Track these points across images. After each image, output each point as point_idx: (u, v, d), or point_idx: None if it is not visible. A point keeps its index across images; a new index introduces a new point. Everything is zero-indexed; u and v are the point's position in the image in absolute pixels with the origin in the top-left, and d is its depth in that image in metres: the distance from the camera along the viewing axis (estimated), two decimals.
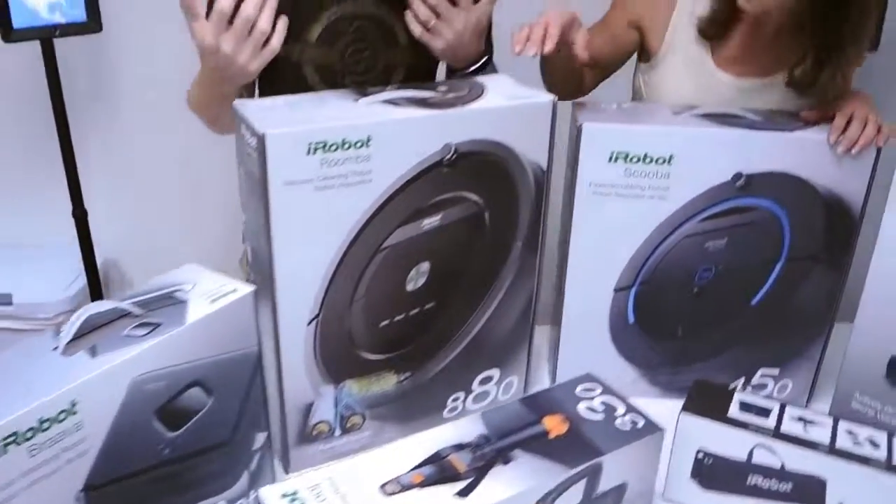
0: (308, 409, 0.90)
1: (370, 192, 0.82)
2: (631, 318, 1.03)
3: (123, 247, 1.86)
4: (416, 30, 0.98)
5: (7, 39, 1.36)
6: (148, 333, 0.71)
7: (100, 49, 1.67)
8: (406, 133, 0.81)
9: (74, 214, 1.52)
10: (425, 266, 0.89)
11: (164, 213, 1.85)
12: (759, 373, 1.06)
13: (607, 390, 0.88)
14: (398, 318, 0.90)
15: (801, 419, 0.87)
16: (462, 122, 0.84)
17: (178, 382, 0.73)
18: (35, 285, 1.58)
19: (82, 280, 1.59)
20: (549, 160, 0.91)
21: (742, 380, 1.07)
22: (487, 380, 1.01)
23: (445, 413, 1.00)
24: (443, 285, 0.91)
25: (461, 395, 1.00)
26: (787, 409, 0.88)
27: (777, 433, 0.84)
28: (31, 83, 1.56)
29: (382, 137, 0.80)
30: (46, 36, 1.42)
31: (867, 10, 0.96)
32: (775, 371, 1.06)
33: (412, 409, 0.97)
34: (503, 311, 0.97)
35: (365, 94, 0.86)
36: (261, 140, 0.75)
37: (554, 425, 0.82)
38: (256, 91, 1.08)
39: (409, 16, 0.98)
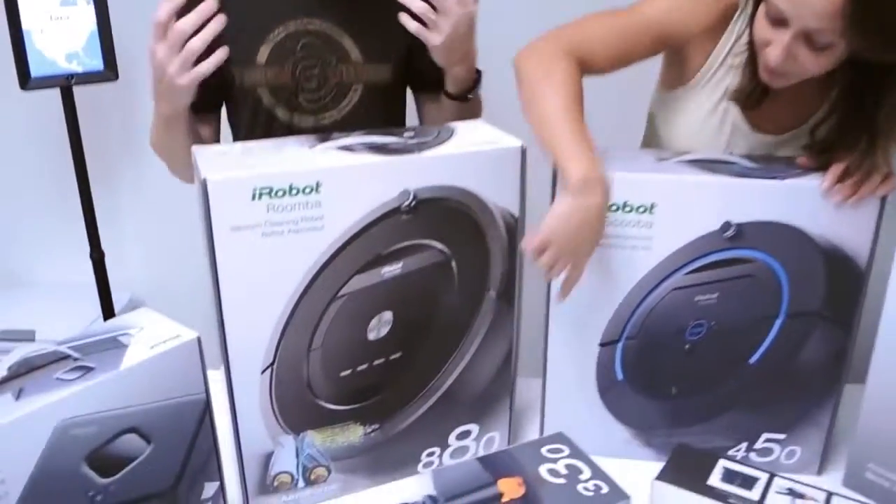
0: (268, 460, 0.88)
1: (322, 239, 0.80)
2: (619, 375, 0.96)
3: (151, 287, 1.92)
4: (412, 26, 0.96)
5: (25, 87, 1.43)
6: (80, 377, 0.71)
7: (118, 95, 1.74)
8: (357, 179, 0.79)
9: (92, 257, 1.57)
10: (387, 315, 0.86)
11: (190, 253, 1.90)
12: (763, 437, 0.98)
13: (575, 452, 0.82)
14: (361, 368, 0.87)
15: (790, 492, 0.79)
16: (421, 168, 0.81)
17: (110, 428, 0.73)
18: (57, 324, 1.63)
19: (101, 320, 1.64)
20: (521, 207, 0.87)
21: (744, 444, 0.98)
22: (465, 434, 0.96)
23: (420, 468, 0.96)
24: (409, 335, 0.88)
25: (437, 449, 0.96)
26: (776, 481, 0.81)
27: None
28: (54, 127, 1.63)
29: (332, 184, 0.78)
30: (63, 84, 1.49)
31: None
32: (781, 436, 0.97)
33: (383, 463, 0.93)
34: (479, 364, 0.92)
35: (324, 140, 0.85)
36: (203, 185, 0.75)
37: (509, 489, 0.77)
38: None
39: (403, 16, 0.96)
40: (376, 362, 0.88)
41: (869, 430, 0.90)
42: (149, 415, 0.75)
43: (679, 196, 0.87)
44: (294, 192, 0.77)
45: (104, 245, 1.62)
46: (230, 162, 0.79)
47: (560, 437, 0.84)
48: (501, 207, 0.86)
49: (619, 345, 0.95)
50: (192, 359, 0.77)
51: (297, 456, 0.89)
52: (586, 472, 0.78)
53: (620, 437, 1.00)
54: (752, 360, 0.94)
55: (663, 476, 0.80)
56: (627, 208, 0.88)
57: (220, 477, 0.84)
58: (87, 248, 1.61)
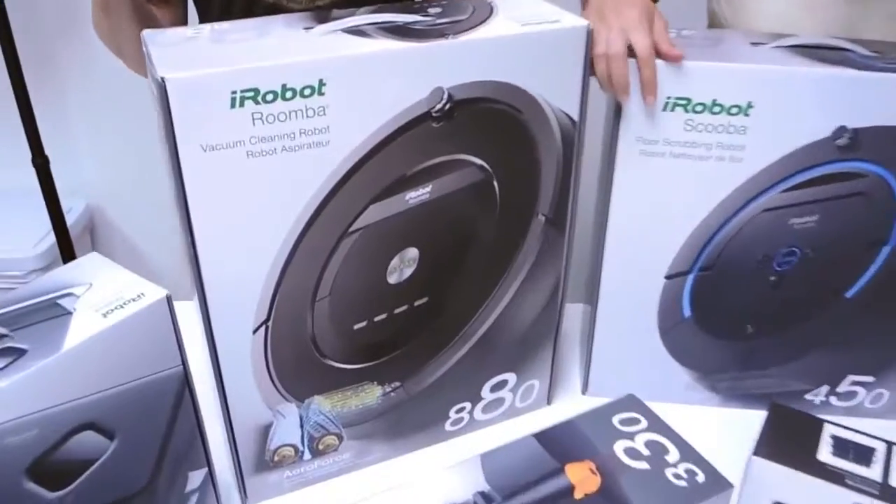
0: (265, 433, 0.70)
1: (328, 158, 0.59)
2: (686, 312, 0.79)
3: (111, 192, 1.67)
4: None
5: None
6: (8, 365, 0.52)
7: None
8: (375, 75, 0.58)
9: (34, 163, 1.33)
10: (412, 253, 0.67)
11: (156, 149, 1.65)
12: (848, 380, 0.83)
13: (656, 423, 0.66)
14: (379, 318, 0.69)
15: None
16: (458, 58, 0.60)
17: (57, 428, 0.54)
18: (3, 239, 1.41)
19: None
20: (581, 108, 0.67)
21: (825, 388, 0.83)
22: (500, 385, 0.80)
23: (448, 425, 0.79)
24: (438, 276, 0.69)
25: (467, 404, 0.79)
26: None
27: (885, 490, 0.62)
28: None
29: (341, 82, 0.57)
30: None
31: None
32: (869, 378, 0.82)
33: (404, 425, 0.77)
34: (520, 305, 0.75)
35: (323, 21, 0.63)
36: (161, 88, 0.53)
37: (581, 477, 0.61)
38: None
39: None
40: (398, 310, 0.69)
41: None
42: (108, 403, 0.56)
43: (784, 93, 0.68)
44: (289, 94, 0.56)
45: (49, 149, 1.37)
46: (196, 53, 0.57)
47: (633, 403, 0.68)
48: (557, 109, 0.66)
49: (690, 277, 0.77)
50: (159, 324, 0.58)
51: (302, 426, 0.72)
52: (674, 453, 0.62)
53: (680, 381, 0.84)
54: (849, 293, 0.77)
55: (762, 450, 0.65)
56: (716, 108, 0.68)
57: (207, 462, 0.66)
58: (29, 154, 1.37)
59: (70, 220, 1.42)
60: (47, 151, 1.36)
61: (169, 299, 0.58)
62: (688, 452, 0.63)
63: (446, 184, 0.65)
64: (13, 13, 1.33)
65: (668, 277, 0.78)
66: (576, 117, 0.67)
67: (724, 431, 0.78)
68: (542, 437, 0.64)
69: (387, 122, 0.60)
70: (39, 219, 1.38)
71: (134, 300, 0.57)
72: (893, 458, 0.65)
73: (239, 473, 0.72)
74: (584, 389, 0.87)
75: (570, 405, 0.87)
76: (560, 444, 0.63)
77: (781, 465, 0.63)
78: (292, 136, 0.57)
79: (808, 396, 0.84)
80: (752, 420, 0.72)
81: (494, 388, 0.79)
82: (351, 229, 0.63)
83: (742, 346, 0.82)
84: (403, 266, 0.67)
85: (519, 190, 0.68)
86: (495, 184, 0.67)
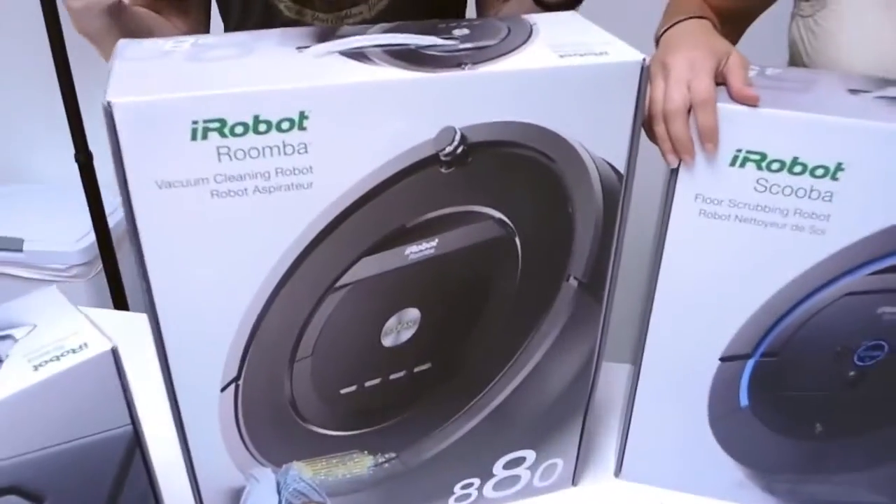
0: (236, 497, 0.62)
1: (310, 203, 0.50)
2: (744, 401, 0.67)
3: None
4: None
5: None
6: None
7: None
8: (370, 108, 0.48)
9: (77, 160, 1.29)
10: (412, 314, 0.57)
11: None
12: None
13: None
14: (370, 383, 0.59)
15: None
16: (474, 93, 0.50)
17: None
18: (47, 232, 1.38)
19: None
20: (629, 159, 0.56)
21: None
22: (516, 462, 0.69)
23: (452, 502, 0.70)
24: (443, 340, 0.59)
25: (475, 480, 0.69)
26: None
27: None
28: (31, 12, 1.31)
29: (327, 115, 0.47)
30: None
31: None
32: None
33: (400, 499, 0.67)
34: (544, 377, 0.64)
35: (325, 38, 0.53)
36: (108, 113, 0.45)
37: None
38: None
39: None
40: (393, 376, 0.59)
41: None
42: (36, 465, 0.49)
43: (884, 154, 0.54)
44: (262, 127, 0.47)
45: (93, 145, 1.34)
46: (163, 71, 0.48)
47: None
48: (599, 159, 0.55)
49: (751, 362, 0.65)
50: (104, 380, 0.50)
51: (279, 492, 0.63)
52: None
53: (730, 477, 0.71)
54: None
55: None
56: (797, 168, 0.56)
57: None
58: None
59: (115, 218, 1.38)
60: (92, 148, 1.32)
61: (115, 352, 0.50)
62: None
63: (456, 239, 0.54)
64: (63, 9, 1.29)
65: (723, 360, 0.66)
66: (622, 169, 0.55)
67: None
68: None
69: (384, 165, 0.50)
70: (85, 214, 1.35)
71: (74, 351, 0.49)
72: None
73: None
74: (618, 472, 0.75)
75: (599, 488, 0.75)
76: None
77: None
78: (266, 175, 0.48)
79: None
80: None
81: (509, 465, 0.69)
82: (338, 284, 0.53)
83: (807, 447, 0.68)
84: (401, 328, 0.57)
85: (547, 250, 0.57)
86: (517, 241, 0.56)
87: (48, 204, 1.51)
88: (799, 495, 0.72)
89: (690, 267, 0.62)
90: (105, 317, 0.87)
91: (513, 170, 0.53)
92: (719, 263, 0.61)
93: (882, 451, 0.68)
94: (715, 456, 0.70)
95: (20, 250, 1.36)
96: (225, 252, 0.50)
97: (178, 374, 0.54)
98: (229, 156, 0.47)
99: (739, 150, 0.56)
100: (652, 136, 0.60)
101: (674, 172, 0.59)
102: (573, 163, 0.54)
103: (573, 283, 0.59)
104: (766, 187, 0.57)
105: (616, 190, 0.56)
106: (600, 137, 0.54)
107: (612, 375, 0.77)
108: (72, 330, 0.51)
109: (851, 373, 0.64)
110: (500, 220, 0.55)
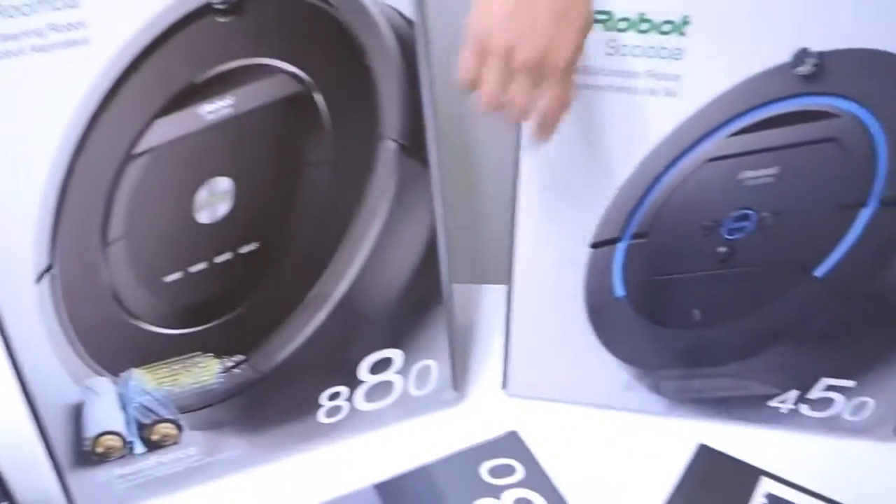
0: (77, 414, 0.60)
1: (89, 61, 0.50)
2: (619, 291, 0.65)
3: None
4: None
5: None
6: None
7: None
8: None
9: None
10: (223, 184, 0.56)
11: None
12: (822, 384, 0.66)
13: (534, 475, 0.53)
14: (196, 268, 0.58)
15: None
16: None
17: None
18: None
19: None
20: (419, 5, 0.56)
21: (794, 393, 0.67)
22: (384, 365, 0.67)
23: (322, 416, 0.67)
24: (265, 215, 0.58)
25: (342, 389, 0.66)
26: None
27: None
28: None
29: None
30: None
31: None
32: (848, 383, 0.65)
33: (261, 413, 0.65)
34: (386, 259, 0.62)
35: None
36: None
37: None
38: None
39: None
40: (219, 259, 0.58)
41: None
42: None
43: (728, 3, 0.55)
44: None
45: None
46: None
47: (512, 445, 0.54)
48: (383, 4, 0.56)
49: (621, 246, 0.64)
50: None
51: (124, 407, 0.61)
52: None
53: (617, 380, 0.69)
54: (819, 271, 0.61)
55: None
56: (644, 25, 0.56)
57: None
58: None
59: None
60: None
61: None
62: None
63: (252, 95, 0.55)
64: None
65: (593, 246, 0.64)
66: (410, 15, 0.56)
67: (658, 458, 0.62)
68: (386, 488, 0.51)
69: (159, 16, 0.51)
70: None
71: None
72: None
73: (58, 469, 0.61)
74: (504, 384, 0.73)
75: (487, 403, 0.73)
76: (406, 499, 0.50)
77: None
78: (41, 32, 0.49)
79: (772, 403, 0.68)
80: (702, 439, 0.58)
81: (376, 370, 0.67)
82: (135, 151, 0.53)
83: (689, 337, 0.66)
84: (215, 200, 0.56)
85: (354, 108, 0.57)
86: (319, 98, 0.56)
87: None
88: (687, 392, 0.69)
89: (552, 148, 0.60)
90: None
91: (292, 17, 0.54)
92: (578, 139, 0.60)
93: (763, 335, 0.66)
94: (599, 357, 0.68)
95: None
96: (10, 122, 0.50)
97: None
98: (1, 14, 0.48)
99: None
100: None
101: None
102: (354, 7, 0.55)
103: (391, 145, 0.59)
104: (615, 49, 0.57)
105: (409, 38, 0.57)
106: None
107: (498, 296, 0.76)
108: None
109: (722, 248, 0.62)
110: (294, 75, 0.55)
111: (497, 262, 0.71)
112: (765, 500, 0.52)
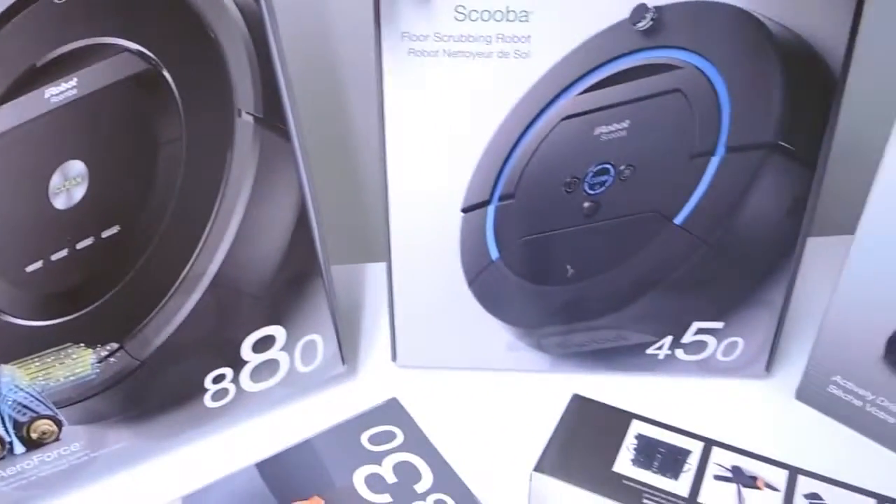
0: None
1: None
2: (493, 253, 0.67)
3: None
4: None
5: None
6: None
7: None
8: None
9: None
10: (77, 167, 0.56)
11: None
12: (694, 327, 0.69)
13: (413, 439, 0.54)
14: (58, 256, 0.57)
15: (735, 474, 0.51)
16: None
17: None
18: None
19: None
20: None
21: (669, 338, 0.70)
22: (266, 343, 0.67)
23: (208, 400, 0.67)
24: (123, 196, 0.58)
25: (227, 371, 0.66)
26: (715, 453, 0.52)
27: None
28: None
29: None
30: None
31: None
32: (717, 325, 0.69)
33: (145, 402, 0.64)
34: (255, 235, 0.63)
35: None
36: None
37: None
38: None
39: None
40: (81, 245, 0.58)
41: (840, 329, 0.62)
42: None
43: None
44: None
45: None
46: None
47: (392, 412, 0.55)
48: None
49: (491, 208, 0.65)
50: None
51: None
52: (426, 479, 0.50)
53: (501, 341, 0.71)
54: (678, 219, 0.64)
55: (546, 463, 0.51)
56: None
57: None
58: None
59: None
60: None
61: None
62: (444, 477, 0.50)
63: (96, 76, 0.55)
64: None
65: (464, 210, 0.66)
66: None
67: (538, 413, 0.64)
68: (267, 466, 0.52)
69: None
70: None
71: None
72: (709, 465, 0.51)
73: None
74: (394, 357, 0.74)
75: (377, 376, 0.73)
76: (288, 474, 0.51)
77: (564, 481, 0.50)
78: None
79: (650, 350, 0.71)
80: (582, 391, 0.60)
81: (259, 348, 0.67)
82: None
83: (564, 292, 0.69)
84: (70, 185, 0.56)
85: (205, 83, 0.58)
86: (166, 74, 0.57)
87: None
88: (568, 346, 0.71)
89: (413, 113, 0.62)
90: None
91: None
92: (440, 104, 0.62)
93: (634, 285, 0.68)
94: (482, 321, 0.70)
95: None
96: None
97: None
98: None
99: None
100: None
101: (376, 4, 0.60)
102: None
103: (247, 118, 0.60)
104: (465, 14, 0.58)
105: (254, 8, 0.58)
106: None
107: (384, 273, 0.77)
108: None
109: (586, 204, 0.65)
110: (139, 52, 0.56)
111: (380, 240, 0.73)
112: (635, 441, 0.54)
